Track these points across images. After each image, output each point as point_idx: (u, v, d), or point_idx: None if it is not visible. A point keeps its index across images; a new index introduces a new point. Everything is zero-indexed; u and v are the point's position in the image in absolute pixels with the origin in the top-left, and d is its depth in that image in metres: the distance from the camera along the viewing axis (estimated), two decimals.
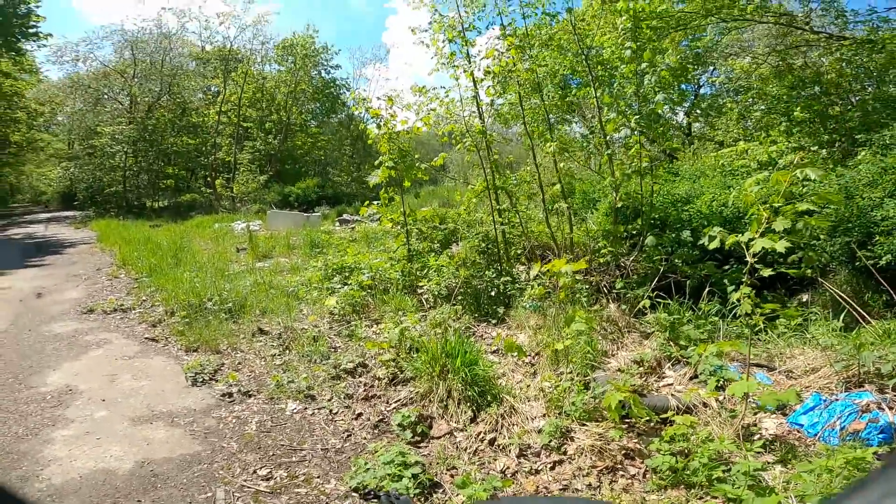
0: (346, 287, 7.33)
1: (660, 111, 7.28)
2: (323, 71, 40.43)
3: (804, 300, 7.49)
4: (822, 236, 7.32)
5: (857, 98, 11.19)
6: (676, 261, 7.34)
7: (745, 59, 16.48)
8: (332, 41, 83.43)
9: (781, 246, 3.72)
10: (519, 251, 8.73)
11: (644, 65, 6.90)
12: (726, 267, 7.29)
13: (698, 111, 18.75)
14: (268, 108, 37.63)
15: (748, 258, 4.01)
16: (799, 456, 3.61)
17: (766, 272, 4.18)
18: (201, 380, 5.08)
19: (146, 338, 6.22)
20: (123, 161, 26.12)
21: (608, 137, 7.77)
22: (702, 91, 21.21)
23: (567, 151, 10.07)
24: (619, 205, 7.36)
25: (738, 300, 4.17)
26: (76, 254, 13.01)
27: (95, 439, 4.04)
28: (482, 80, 8.19)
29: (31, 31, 23.95)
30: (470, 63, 8.04)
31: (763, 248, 3.79)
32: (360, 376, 5.28)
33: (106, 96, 27.92)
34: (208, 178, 32.24)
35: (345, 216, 24.29)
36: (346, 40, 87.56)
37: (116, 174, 26.20)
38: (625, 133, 6.88)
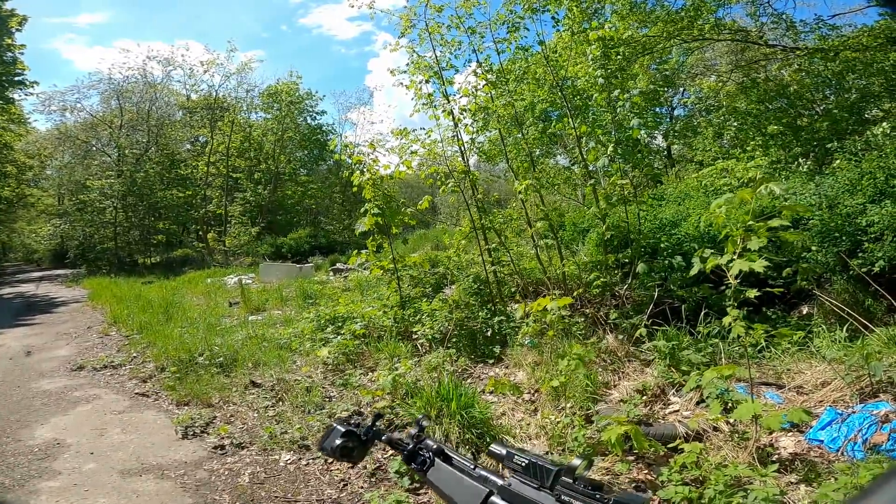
0: (339, 337, 7.34)
1: (637, 136, 7.40)
2: (309, 117, 40.96)
3: (805, 312, 7.51)
4: (813, 247, 7.41)
5: (822, 107, 11.48)
6: (671, 286, 7.39)
7: (710, 78, 16.98)
8: (315, 87, 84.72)
9: (760, 266, 3.73)
10: (513, 289, 8.76)
11: (616, 91, 7.06)
12: (722, 287, 7.35)
13: (674, 132, 19.21)
14: (256, 157, 37.96)
15: (730, 281, 4.01)
16: (822, 474, 3.52)
17: (752, 293, 4.20)
18: (192, 432, 5.04)
19: (136, 393, 6.21)
20: (114, 216, 26.20)
21: (590, 167, 7.90)
22: (676, 112, 21.69)
23: (552, 185, 10.24)
24: (608, 235, 7.43)
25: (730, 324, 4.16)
26: (67, 312, 13.01)
27: (83, 491, 4.01)
28: (460, 119, 8.33)
29: (16, 78, 24.04)
30: (448, 101, 8.20)
31: (741, 269, 3.79)
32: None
33: (94, 148, 28.14)
34: (200, 233, 32.34)
35: (338, 265, 24.31)
36: (330, 85, 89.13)
37: (107, 230, 26.24)
38: (605, 161, 6.98)
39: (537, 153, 11.58)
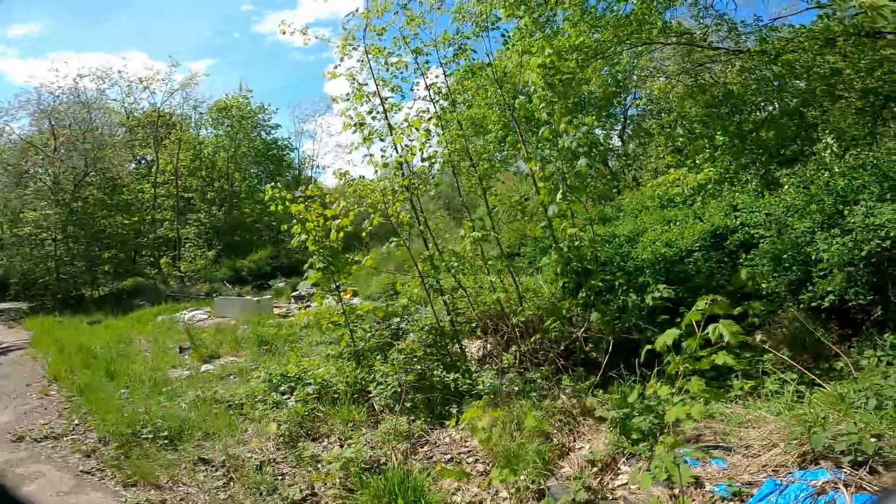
0: (292, 400, 7.31)
1: (584, 172, 7.44)
2: (263, 132, 40.64)
3: (758, 339, 7.63)
4: (764, 270, 7.58)
5: (766, 115, 11.78)
6: (626, 323, 7.49)
7: (660, 80, 17.38)
8: (272, 96, 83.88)
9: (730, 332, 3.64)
10: (473, 324, 8.80)
11: (563, 124, 7.14)
12: (678, 319, 7.48)
13: (628, 135, 19.63)
14: (209, 175, 37.53)
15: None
16: None
17: (723, 359, 4.11)
18: None
19: (81, 470, 6.04)
20: (53, 249, 25.38)
21: (542, 204, 8.00)
22: (630, 112, 22.18)
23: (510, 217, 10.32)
24: (562, 282, 7.53)
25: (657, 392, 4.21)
26: (7, 364, 12.69)
27: None
28: (409, 158, 8.29)
29: None
30: (391, 137, 8.21)
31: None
32: None
33: (27, 174, 27.14)
34: (152, 259, 31.74)
35: (300, 291, 24.17)
36: (288, 93, 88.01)
37: (48, 263, 25.32)
38: (555, 210, 7.06)
39: (497, 156, 11.64)
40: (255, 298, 19.73)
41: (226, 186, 36.96)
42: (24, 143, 27.68)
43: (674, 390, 4.17)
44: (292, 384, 7.87)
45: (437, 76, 9.02)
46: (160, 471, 5.81)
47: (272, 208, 7.97)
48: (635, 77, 18.12)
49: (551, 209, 6.95)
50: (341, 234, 7.94)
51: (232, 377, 9.71)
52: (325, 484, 5.42)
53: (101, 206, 26.96)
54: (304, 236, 7.57)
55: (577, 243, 7.37)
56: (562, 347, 7.84)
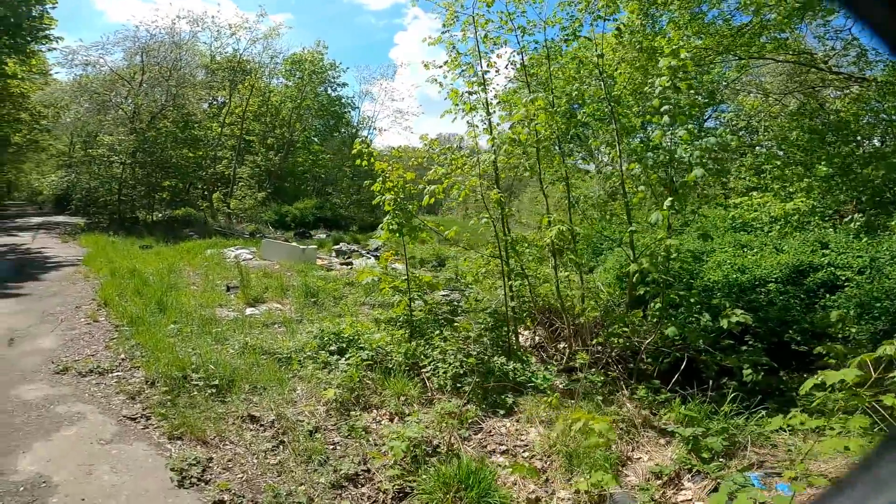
0: (343, 362, 6.80)
1: (692, 181, 6.72)
2: (329, 88, 40.46)
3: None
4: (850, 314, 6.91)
5: (873, 148, 10.72)
6: (692, 343, 6.86)
7: (753, 96, 16.13)
8: (339, 56, 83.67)
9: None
10: (523, 314, 8.24)
11: (681, 132, 6.34)
12: (744, 347, 6.87)
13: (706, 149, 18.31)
14: (272, 122, 37.55)
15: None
16: None
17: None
18: (189, 481, 4.43)
19: (124, 415, 5.53)
20: (120, 172, 25.70)
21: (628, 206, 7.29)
22: (707, 124, 20.90)
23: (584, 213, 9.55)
24: (642, 291, 6.84)
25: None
26: (58, 280, 12.36)
27: None
28: (501, 145, 7.53)
29: (41, 33, 24.16)
30: (489, 113, 7.51)
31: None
32: (362, 486, 4.72)
33: (111, 103, 27.57)
34: (205, 192, 31.75)
35: (342, 245, 23.82)
36: (353, 55, 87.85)
37: (112, 185, 25.70)
38: (658, 218, 6.25)
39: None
40: (301, 246, 19.27)
41: (286, 134, 36.82)
42: (113, 75, 28.10)
43: (827, 422, 4.07)
44: (343, 345, 7.35)
45: (530, 57, 8.32)
46: (207, 425, 5.32)
47: (357, 163, 7.40)
48: (727, 90, 16.78)
49: (654, 216, 6.15)
50: (432, 200, 7.35)
51: (277, 326, 9.23)
52: (385, 464, 4.86)
53: (172, 138, 27.10)
54: (387, 195, 6.94)
55: (664, 254, 6.62)
56: (614, 353, 7.28)
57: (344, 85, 41.28)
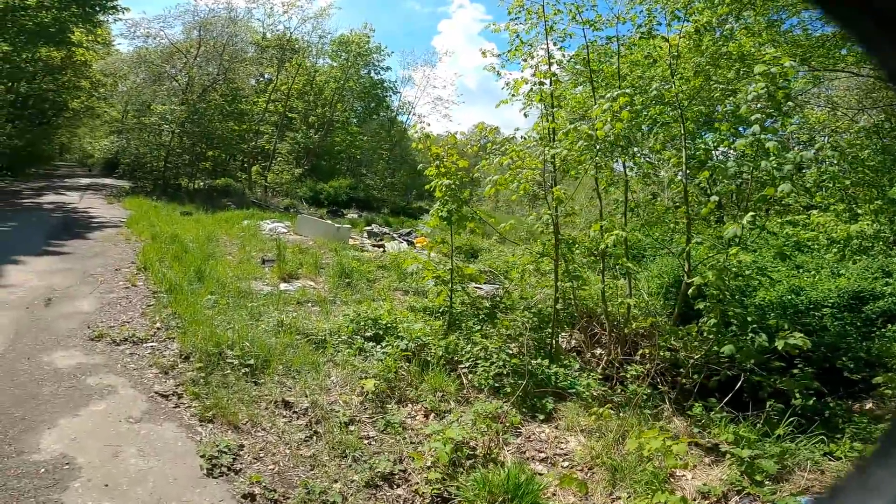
0: (379, 350, 6.43)
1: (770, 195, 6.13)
2: (373, 71, 40.09)
3: (867, 407, 6.85)
4: None
5: None
6: (748, 362, 6.35)
7: (819, 109, 15.18)
8: (382, 41, 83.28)
9: None
10: (566, 317, 7.79)
11: (769, 143, 5.73)
12: (795, 371, 6.38)
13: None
14: (314, 101, 37.32)
15: None
16: None
17: None
18: (220, 470, 4.09)
19: (156, 391, 5.18)
20: (169, 140, 25.80)
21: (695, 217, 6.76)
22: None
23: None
24: (701, 307, 6.32)
25: None
26: (101, 241, 12.20)
27: None
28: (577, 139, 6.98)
29: (109, 3, 24.26)
30: (552, 106, 7.02)
31: None
32: (397, 486, 4.35)
33: (166, 74, 27.99)
34: (245, 164, 31.75)
35: (373, 227, 23.48)
36: (395, 40, 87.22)
37: (160, 152, 25.86)
38: (737, 231, 5.63)
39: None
40: (336, 225, 18.95)
41: (327, 114, 36.51)
42: (171, 48, 28.66)
43: None
44: (380, 331, 6.98)
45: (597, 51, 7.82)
46: (240, 408, 4.97)
47: (413, 146, 7.03)
48: (795, 100, 15.73)
49: (731, 230, 5.57)
50: (493, 191, 6.91)
51: (310, 304, 8.89)
52: (426, 465, 4.50)
53: (219, 111, 27.40)
54: (446, 180, 6.49)
55: (736, 269, 6.07)
56: (656, 365, 6.79)
57: (387, 69, 40.79)
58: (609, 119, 5.89)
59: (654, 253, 9.05)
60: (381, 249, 17.65)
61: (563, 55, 8.06)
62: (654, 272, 7.68)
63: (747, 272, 6.29)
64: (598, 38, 7.85)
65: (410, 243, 19.88)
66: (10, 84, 26.02)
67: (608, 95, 6.00)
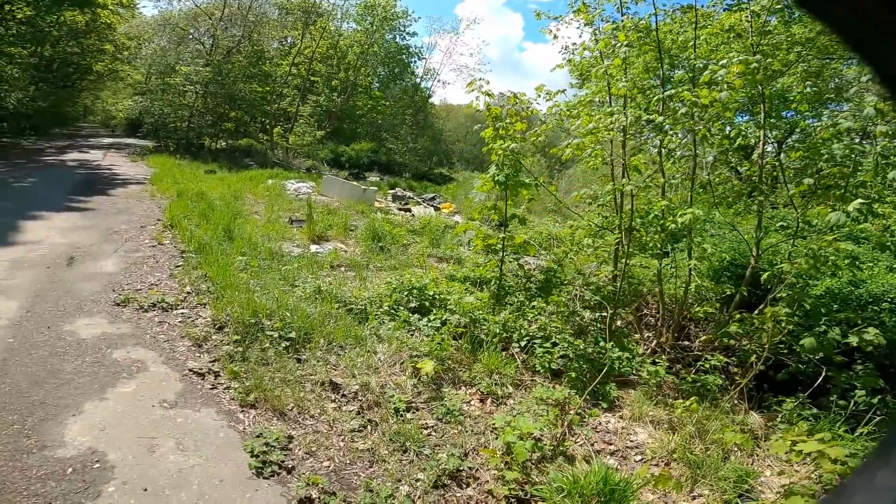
0: (425, 324, 5.67)
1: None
2: (398, 36, 38.72)
3: None
4: None
5: None
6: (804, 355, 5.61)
7: (872, 97, 13.87)
8: (409, 5, 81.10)
9: None
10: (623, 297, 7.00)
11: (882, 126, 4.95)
12: (859, 367, 5.63)
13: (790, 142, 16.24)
14: (338, 65, 36.17)
15: None
16: None
17: None
18: (270, 470, 3.38)
19: (190, 369, 4.44)
20: (193, 101, 24.89)
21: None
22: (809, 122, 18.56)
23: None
24: (784, 294, 5.53)
25: None
26: (125, 197, 11.44)
27: None
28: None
29: None
30: (625, 73, 6.11)
31: None
32: (467, 486, 3.64)
33: (191, 36, 27.26)
34: (267, 126, 30.84)
35: (397, 190, 22.63)
36: (420, 6, 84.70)
37: (183, 112, 24.95)
38: (840, 218, 4.83)
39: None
40: (362, 186, 18.10)
41: (350, 77, 35.30)
42: (196, 10, 27.87)
43: None
44: (425, 302, 6.21)
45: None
46: (284, 391, 4.24)
47: (469, 105, 6.12)
48: (852, 88, 14.42)
49: (834, 216, 4.74)
50: (570, 156, 6.02)
51: (343, 269, 8.15)
52: (501, 464, 3.78)
53: (243, 72, 26.53)
54: (512, 144, 5.63)
55: (833, 257, 5.28)
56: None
57: (413, 34, 39.33)
58: (725, 87, 5.03)
59: (697, 234, 8.15)
60: (409, 213, 16.86)
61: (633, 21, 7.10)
62: (699, 252, 6.81)
63: (846, 261, 5.47)
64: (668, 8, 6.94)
65: (436, 208, 19.09)
66: (34, 48, 25.46)
67: (722, 62, 5.13)
